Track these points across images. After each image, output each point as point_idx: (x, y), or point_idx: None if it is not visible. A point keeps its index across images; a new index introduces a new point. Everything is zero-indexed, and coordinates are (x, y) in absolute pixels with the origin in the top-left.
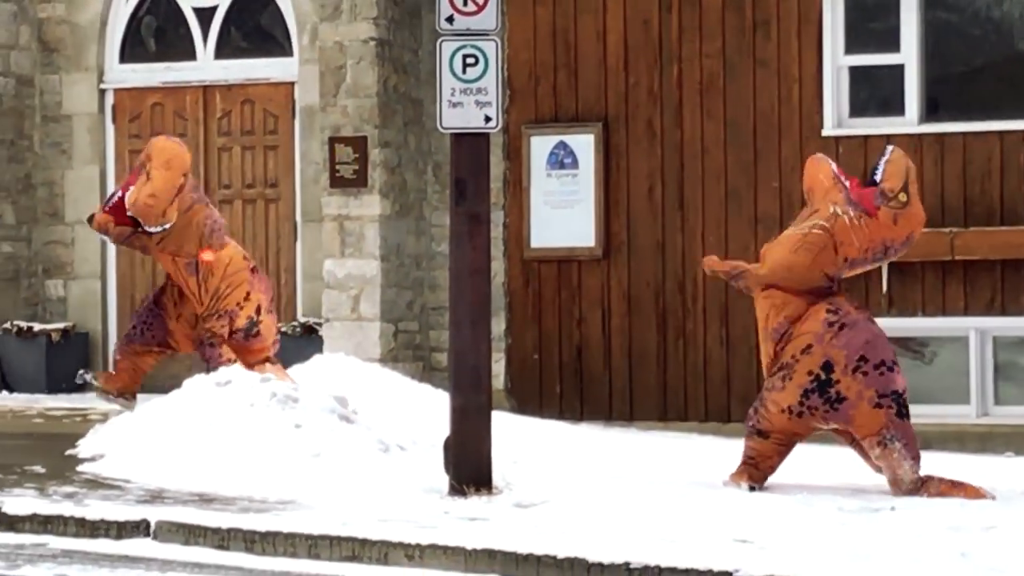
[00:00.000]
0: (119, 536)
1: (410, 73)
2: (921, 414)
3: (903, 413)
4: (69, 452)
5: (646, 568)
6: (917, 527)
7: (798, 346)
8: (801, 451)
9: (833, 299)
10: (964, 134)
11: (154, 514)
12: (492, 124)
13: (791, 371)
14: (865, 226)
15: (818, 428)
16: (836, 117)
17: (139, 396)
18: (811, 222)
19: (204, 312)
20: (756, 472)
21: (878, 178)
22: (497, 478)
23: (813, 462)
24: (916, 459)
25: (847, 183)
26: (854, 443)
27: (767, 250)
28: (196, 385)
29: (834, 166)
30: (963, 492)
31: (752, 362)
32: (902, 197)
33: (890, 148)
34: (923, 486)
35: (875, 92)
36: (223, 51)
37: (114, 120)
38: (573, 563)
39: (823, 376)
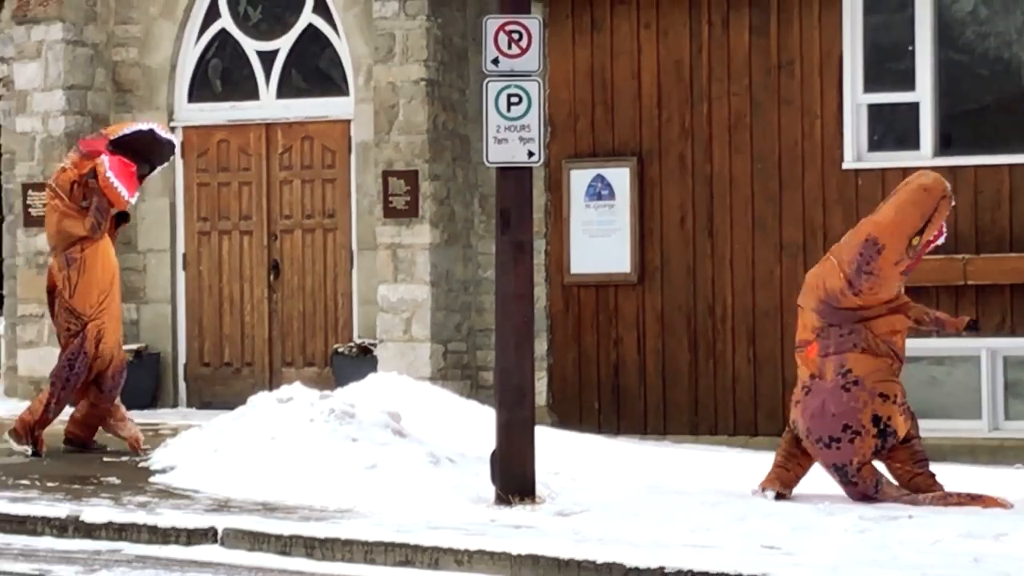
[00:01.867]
0: (189, 543)
1: (458, 111)
2: (936, 428)
3: (846, 482)
4: (142, 464)
5: (679, 572)
6: (933, 534)
7: (795, 396)
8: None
9: (825, 360)
10: (975, 167)
11: (221, 522)
12: (535, 159)
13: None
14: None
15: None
16: (856, 151)
17: (208, 411)
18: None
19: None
20: (787, 475)
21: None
22: (540, 488)
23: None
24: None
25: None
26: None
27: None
28: (259, 401)
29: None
30: (982, 502)
31: (778, 380)
32: (915, 240)
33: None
34: (944, 500)
35: (892, 128)
36: (284, 91)
37: (183, 156)
38: (611, 567)
39: (794, 431)
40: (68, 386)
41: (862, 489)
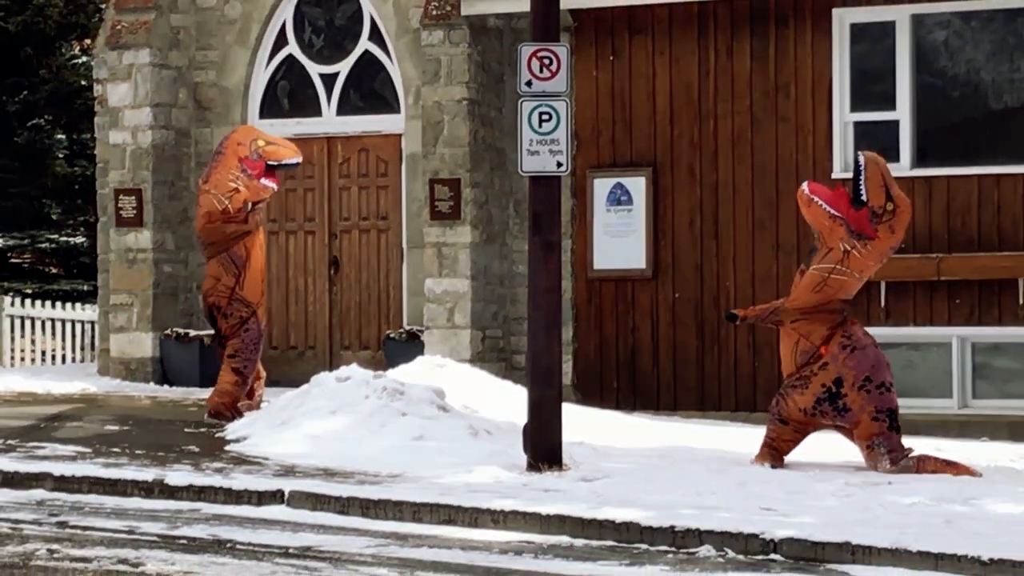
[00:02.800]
0: (259, 503)
1: (495, 127)
2: (912, 406)
3: (893, 427)
4: (218, 435)
5: (688, 531)
6: (910, 499)
7: (816, 362)
8: (813, 436)
9: (848, 327)
10: (948, 177)
11: (287, 485)
12: (563, 169)
13: (808, 381)
14: (872, 248)
15: (825, 425)
16: (843, 163)
17: (276, 389)
18: (827, 264)
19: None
20: (775, 452)
21: (864, 197)
22: (566, 457)
23: (823, 445)
24: (894, 461)
25: (843, 216)
26: (848, 434)
27: (794, 289)
28: (321, 380)
29: (824, 204)
30: (955, 469)
31: (774, 363)
32: (889, 207)
33: (862, 159)
34: (920, 464)
35: (875, 142)
36: (343, 109)
37: None
38: (629, 526)
39: (834, 389)
40: (252, 363)
41: (898, 437)
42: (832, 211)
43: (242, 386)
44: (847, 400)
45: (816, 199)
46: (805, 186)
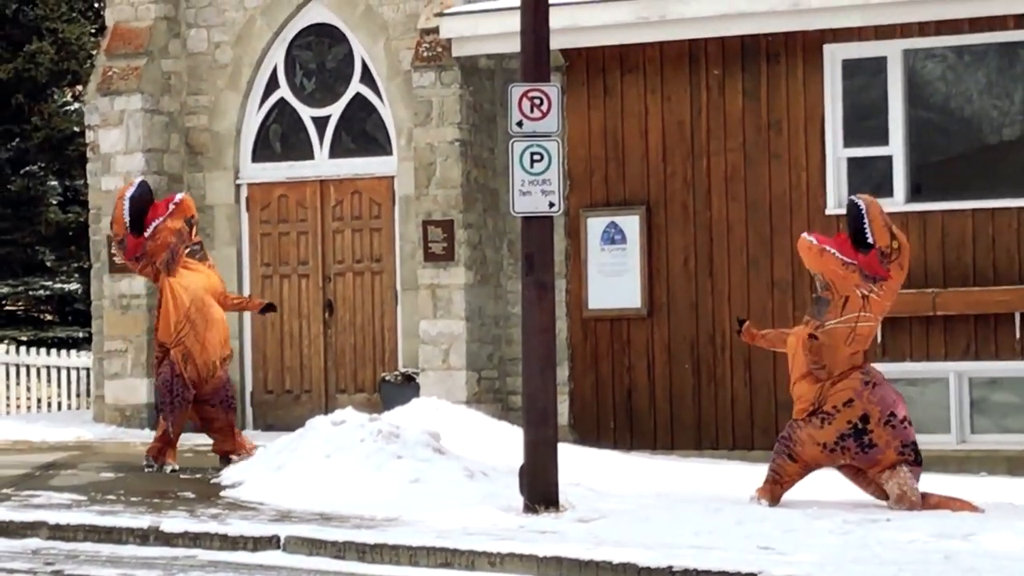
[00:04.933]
0: (255, 549)
1: (487, 167)
2: None
3: (918, 460)
4: (214, 480)
5: (686, 571)
6: (909, 535)
7: (839, 399)
8: (819, 476)
9: (864, 364)
10: (943, 212)
11: (283, 530)
12: (555, 209)
13: (832, 418)
14: (887, 288)
15: (836, 463)
16: (837, 199)
17: (271, 433)
18: (851, 314)
19: None
20: (778, 488)
21: (870, 240)
22: (562, 498)
23: (818, 484)
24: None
25: (856, 261)
26: (856, 474)
27: (822, 346)
28: (316, 424)
29: (837, 253)
30: (956, 504)
31: (771, 401)
32: (895, 244)
33: (861, 203)
34: (924, 500)
35: (869, 178)
36: (336, 151)
37: (247, 209)
38: (626, 567)
39: (860, 425)
40: (167, 405)
41: (920, 470)
42: (845, 259)
43: (163, 428)
44: (873, 436)
45: (829, 249)
46: (810, 237)
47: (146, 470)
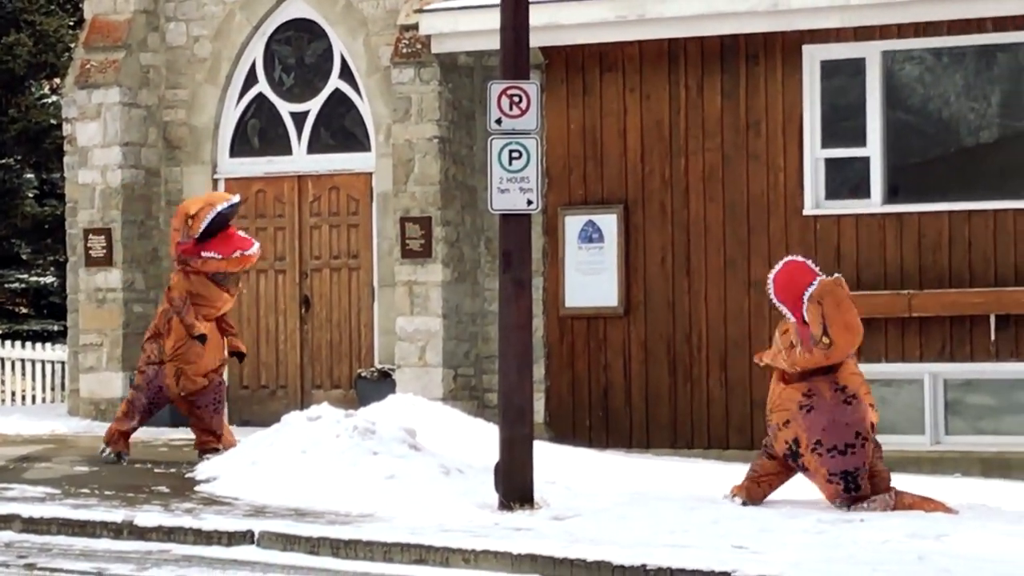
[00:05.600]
0: (229, 544)
1: (466, 165)
2: (884, 442)
3: (850, 489)
4: (188, 475)
5: (660, 569)
6: (882, 535)
7: (780, 418)
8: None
9: (813, 381)
10: (919, 213)
11: (258, 526)
12: (533, 206)
13: (775, 435)
14: (810, 354)
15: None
16: (814, 200)
17: (247, 428)
18: (784, 358)
19: None
20: (756, 488)
21: (805, 318)
22: (538, 496)
23: (796, 483)
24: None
25: (791, 319)
26: None
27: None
28: (292, 420)
29: (779, 304)
30: (931, 505)
31: (747, 400)
32: (825, 340)
33: (809, 291)
34: (897, 499)
35: (846, 179)
36: (314, 147)
37: None
38: (600, 565)
39: (793, 448)
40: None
41: (864, 491)
42: (785, 313)
43: (128, 422)
44: (804, 460)
45: (775, 301)
46: (770, 278)
47: (102, 455)
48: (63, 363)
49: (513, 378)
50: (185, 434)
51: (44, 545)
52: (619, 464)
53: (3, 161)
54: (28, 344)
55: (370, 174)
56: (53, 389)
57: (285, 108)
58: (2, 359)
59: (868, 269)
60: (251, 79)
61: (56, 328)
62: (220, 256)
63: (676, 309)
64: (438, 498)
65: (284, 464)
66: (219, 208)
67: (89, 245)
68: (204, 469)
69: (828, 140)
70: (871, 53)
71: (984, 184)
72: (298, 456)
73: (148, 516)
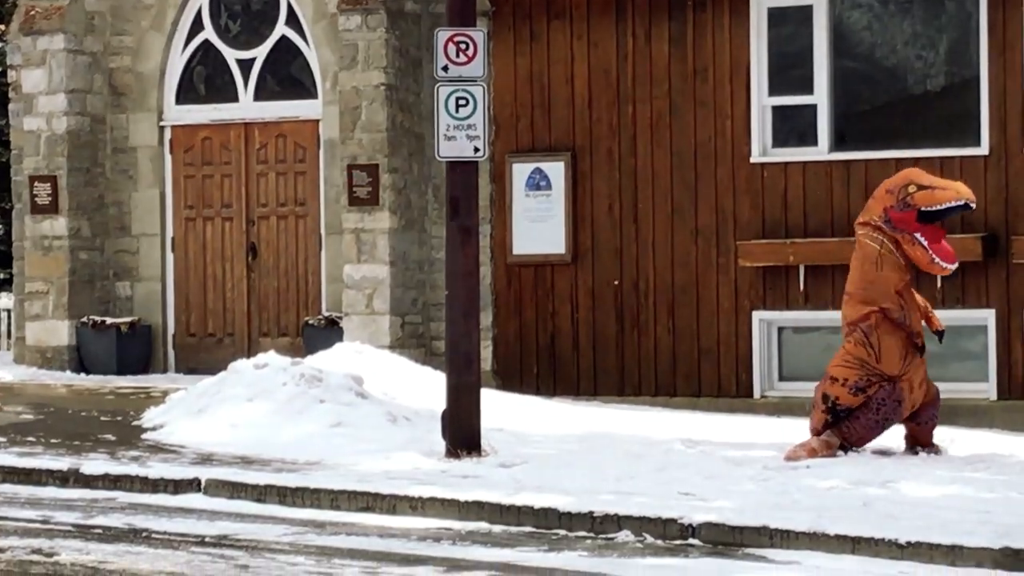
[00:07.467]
0: (176, 492)
1: (413, 112)
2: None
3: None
4: (135, 423)
5: (606, 516)
6: (828, 482)
7: None
8: (737, 420)
9: None
10: (866, 160)
11: (204, 473)
12: (480, 154)
13: None
14: None
15: None
16: (762, 147)
17: (193, 376)
18: None
19: None
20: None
21: None
22: (485, 443)
23: (749, 430)
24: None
25: None
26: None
27: None
28: (239, 367)
29: None
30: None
31: (694, 347)
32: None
33: None
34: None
35: (793, 127)
36: (261, 94)
37: (171, 151)
38: (547, 512)
39: None
40: None
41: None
42: None
43: None
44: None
45: None
46: None
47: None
48: (8, 311)
49: (460, 326)
50: (133, 383)
51: None
52: (566, 411)
53: None
54: None
55: (317, 121)
56: None
57: (231, 55)
58: None
59: (815, 216)
60: (197, 26)
61: (2, 276)
62: None
63: (623, 256)
64: (385, 446)
65: (231, 412)
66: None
67: (35, 192)
68: (150, 417)
69: (775, 87)
70: (818, 1)
71: (931, 132)
72: (245, 404)
73: (94, 464)
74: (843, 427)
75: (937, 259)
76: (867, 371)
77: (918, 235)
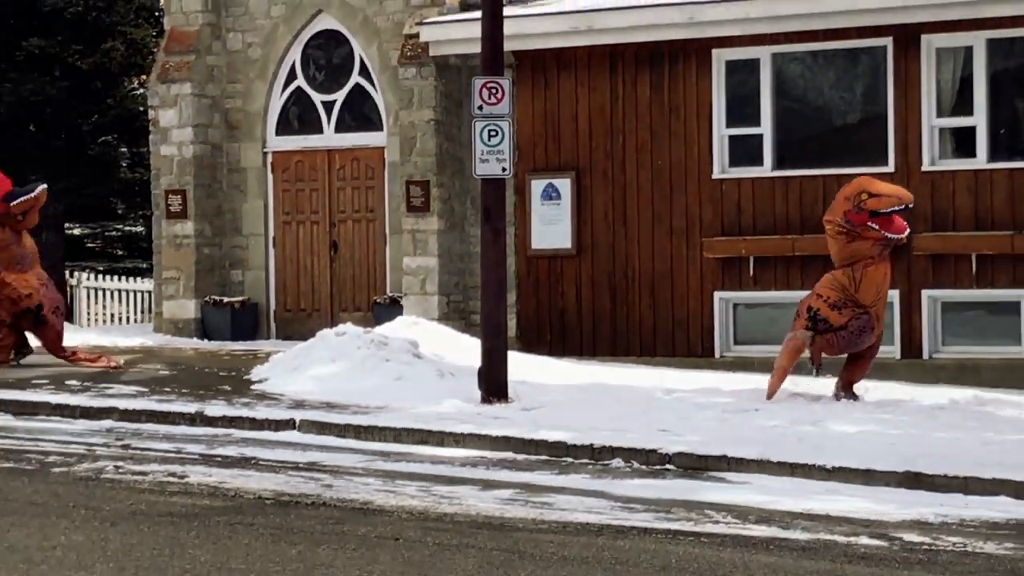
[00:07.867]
0: (277, 429)
1: (455, 141)
2: (772, 351)
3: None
4: (245, 377)
5: (603, 448)
6: (772, 422)
7: None
8: (706, 376)
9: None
10: (801, 177)
11: (298, 415)
12: (507, 173)
13: None
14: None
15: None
16: (721, 167)
17: (289, 342)
18: None
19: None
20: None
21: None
22: (511, 392)
23: (712, 382)
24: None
25: None
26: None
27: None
28: (324, 335)
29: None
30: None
31: (669, 319)
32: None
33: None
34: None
35: (745, 151)
36: (340, 128)
37: (272, 171)
38: (557, 445)
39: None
40: None
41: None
42: None
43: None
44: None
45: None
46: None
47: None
48: (149, 292)
49: (492, 303)
50: (244, 347)
51: (135, 430)
52: (572, 368)
53: (103, 139)
54: (123, 278)
55: (382, 148)
56: (142, 312)
57: (318, 98)
58: (104, 290)
59: (762, 219)
60: (292, 76)
61: (144, 266)
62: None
63: (615, 251)
64: (435, 394)
65: (318, 369)
66: None
67: (169, 202)
68: (257, 372)
69: (731, 121)
70: (764, 54)
71: (850, 154)
72: (329, 363)
73: (215, 408)
74: (828, 337)
75: (885, 232)
76: (846, 295)
77: (870, 223)
